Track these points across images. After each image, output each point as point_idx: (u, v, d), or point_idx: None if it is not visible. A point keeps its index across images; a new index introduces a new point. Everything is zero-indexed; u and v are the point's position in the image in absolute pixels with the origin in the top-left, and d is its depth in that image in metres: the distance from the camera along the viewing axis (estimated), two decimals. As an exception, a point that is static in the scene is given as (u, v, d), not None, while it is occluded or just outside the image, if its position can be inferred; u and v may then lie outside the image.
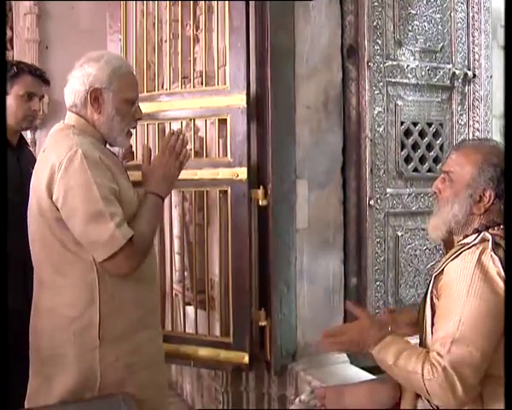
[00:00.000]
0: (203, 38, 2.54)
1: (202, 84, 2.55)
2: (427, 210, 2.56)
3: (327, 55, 2.55)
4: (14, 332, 1.75)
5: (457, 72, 2.76)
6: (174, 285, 2.75)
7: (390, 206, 2.62)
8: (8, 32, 4.62)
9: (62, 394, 1.55)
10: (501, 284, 1.33)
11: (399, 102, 2.64)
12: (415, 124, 2.69)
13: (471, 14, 2.79)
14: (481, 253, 1.38)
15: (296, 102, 2.48)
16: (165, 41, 2.69)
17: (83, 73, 1.60)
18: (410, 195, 2.66)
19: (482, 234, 1.41)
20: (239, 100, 2.40)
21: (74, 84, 1.62)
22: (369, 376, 2.23)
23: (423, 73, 2.68)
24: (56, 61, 4.35)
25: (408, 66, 2.65)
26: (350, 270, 2.62)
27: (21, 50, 4.57)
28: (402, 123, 2.66)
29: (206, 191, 2.54)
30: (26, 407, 1.63)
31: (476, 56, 2.80)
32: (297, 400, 1.76)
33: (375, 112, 2.57)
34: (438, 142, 2.74)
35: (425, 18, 2.69)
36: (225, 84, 2.45)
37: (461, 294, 1.36)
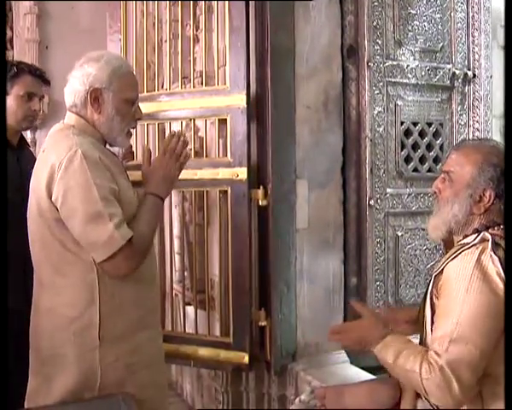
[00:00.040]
0: (203, 38, 2.54)
1: (202, 84, 2.55)
2: (427, 210, 2.56)
3: (327, 55, 2.55)
4: (14, 332, 1.75)
5: (457, 72, 2.76)
6: (174, 285, 2.75)
7: (390, 206, 2.62)
8: (8, 32, 4.62)
9: (62, 394, 1.55)
10: (500, 284, 1.33)
11: (399, 102, 2.64)
12: (415, 124, 2.69)
13: (471, 14, 2.79)
14: (481, 253, 1.38)
15: (296, 102, 2.48)
16: (165, 41, 2.69)
17: (83, 73, 1.60)
18: (410, 195, 2.67)
19: (482, 234, 1.41)
20: (239, 100, 2.40)
21: (74, 84, 1.61)
22: (369, 376, 2.23)
23: (423, 73, 2.68)
24: (56, 61, 4.35)
25: (408, 66, 2.65)
26: (350, 270, 2.62)
27: (21, 50, 4.57)
28: (402, 123, 2.66)
29: (206, 191, 2.54)
30: (25, 407, 1.63)
31: (476, 56, 2.80)
32: (297, 400, 1.76)
33: (375, 112, 2.57)
34: (438, 142, 2.74)
35: (425, 18, 2.69)
36: (225, 84, 2.45)
37: (459, 293, 1.36)
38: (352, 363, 2.54)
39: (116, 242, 1.49)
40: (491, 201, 1.45)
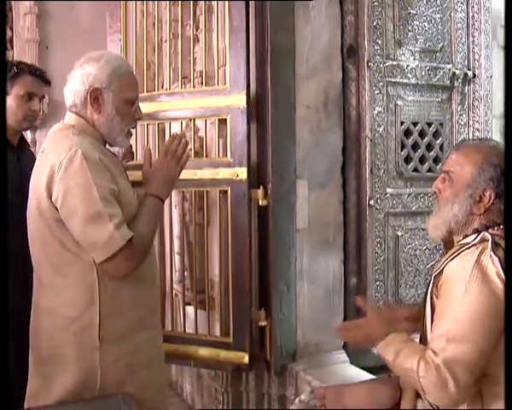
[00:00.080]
0: (203, 38, 2.54)
1: (202, 84, 2.55)
2: (427, 210, 2.55)
3: (327, 55, 2.55)
4: (14, 332, 1.75)
5: (457, 72, 2.76)
6: (174, 285, 2.75)
7: (390, 206, 2.62)
8: (8, 32, 4.62)
9: (62, 394, 1.55)
10: (499, 285, 1.33)
11: (399, 102, 2.64)
12: (415, 124, 2.69)
13: (471, 14, 2.79)
14: (481, 253, 1.38)
15: (296, 102, 2.48)
16: (165, 41, 2.69)
17: (83, 73, 1.60)
18: (410, 195, 2.66)
19: (482, 234, 1.41)
20: (239, 100, 2.40)
21: (74, 84, 1.61)
22: (369, 376, 2.23)
23: (423, 73, 2.68)
24: (56, 61, 4.35)
25: (408, 66, 2.65)
26: (350, 270, 2.62)
27: (21, 50, 4.57)
28: (402, 123, 2.66)
29: (206, 191, 2.54)
30: (25, 407, 1.63)
31: (476, 56, 2.80)
32: (297, 400, 1.76)
33: (375, 112, 2.57)
34: (438, 142, 2.74)
35: (425, 18, 2.69)
36: (225, 84, 2.45)
37: (458, 293, 1.36)
38: (352, 363, 2.54)
39: (116, 242, 1.49)
40: (491, 201, 1.45)
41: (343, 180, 2.61)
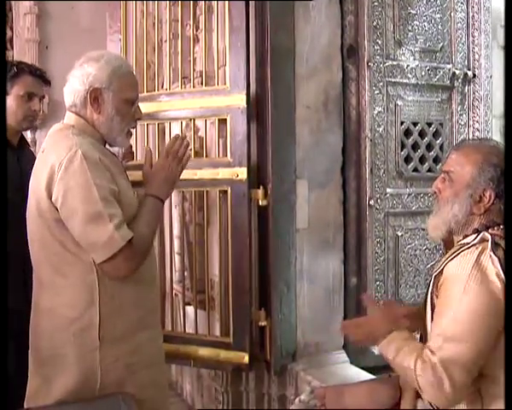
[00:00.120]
0: (203, 38, 2.54)
1: (202, 84, 2.55)
2: (427, 210, 2.55)
3: (327, 55, 2.55)
4: (14, 332, 1.75)
5: (457, 72, 2.76)
6: (174, 285, 2.75)
7: (390, 206, 2.62)
8: (8, 32, 4.62)
9: (62, 394, 1.54)
10: (498, 285, 1.33)
11: (399, 102, 2.64)
12: (415, 124, 2.69)
13: (471, 14, 2.79)
14: (480, 253, 1.38)
15: (296, 102, 2.48)
16: (165, 41, 2.69)
17: (82, 73, 1.60)
18: (410, 195, 2.67)
19: (482, 234, 1.41)
20: (239, 100, 2.40)
21: (74, 83, 1.61)
22: (369, 376, 2.24)
23: (423, 73, 2.68)
24: (56, 61, 4.35)
25: (408, 66, 2.65)
26: (350, 270, 2.62)
27: (21, 50, 4.57)
28: (402, 123, 2.66)
29: (206, 191, 2.54)
30: (25, 407, 1.62)
31: (476, 56, 2.80)
32: (297, 400, 1.76)
33: (375, 112, 2.57)
34: (438, 142, 2.74)
35: (425, 18, 2.69)
36: (225, 84, 2.45)
37: (457, 292, 1.37)
38: (352, 363, 2.54)
39: (116, 243, 1.48)
40: (491, 201, 1.45)
41: (343, 180, 2.61)
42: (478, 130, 2.81)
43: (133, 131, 1.76)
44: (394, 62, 2.62)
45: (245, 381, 2.60)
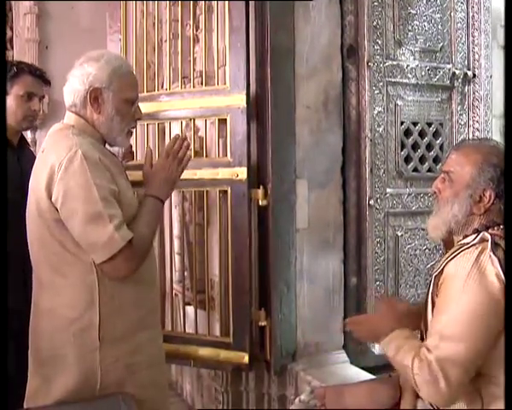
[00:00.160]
0: (203, 38, 2.54)
1: (202, 84, 2.55)
2: (427, 210, 2.55)
3: (327, 55, 2.55)
4: (14, 332, 1.75)
5: (457, 72, 2.76)
6: (174, 285, 2.75)
7: (390, 206, 2.62)
8: (8, 32, 4.62)
9: (62, 394, 1.54)
10: (497, 285, 1.33)
11: (399, 102, 2.64)
12: (415, 124, 2.69)
13: (471, 14, 2.79)
14: (480, 253, 1.38)
15: (296, 102, 2.48)
16: (165, 41, 2.69)
17: (82, 73, 1.59)
18: (409, 195, 2.67)
19: (481, 234, 1.41)
20: (239, 100, 2.40)
21: (74, 83, 1.61)
22: (369, 376, 2.24)
23: (423, 73, 2.68)
24: (56, 61, 4.35)
25: (408, 66, 2.65)
26: (350, 270, 2.62)
27: (21, 50, 4.57)
28: (402, 123, 2.66)
29: (206, 191, 2.54)
30: (24, 407, 1.62)
31: (476, 56, 2.80)
32: (297, 400, 1.76)
33: (375, 112, 2.57)
34: (438, 142, 2.74)
35: (425, 18, 2.69)
36: (225, 84, 2.45)
37: (455, 292, 1.37)
38: (352, 363, 2.54)
39: (116, 243, 1.48)
40: (491, 201, 1.45)
41: (343, 180, 2.60)
42: (478, 130, 2.81)
43: (133, 131, 1.76)
44: (394, 62, 2.62)
45: (245, 381, 2.60)
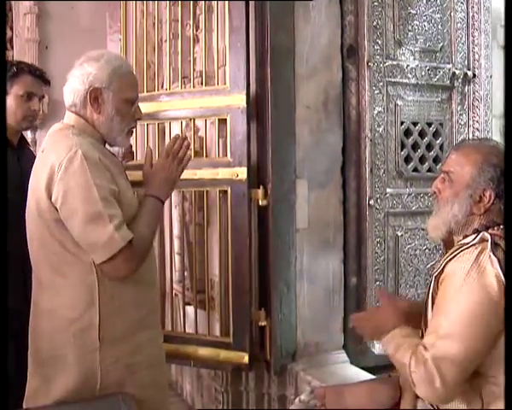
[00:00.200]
0: (203, 37, 2.54)
1: (202, 84, 2.55)
2: (427, 210, 2.55)
3: (327, 55, 2.55)
4: (14, 332, 1.75)
5: (457, 72, 2.76)
6: (174, 285, 2.75)
7: (390, 206, 2.62)
8: (8, 32, 4.62)
9: (62, 395, 1.54)
10: (495, 286, 1.33)
11: (399, 102, 2.64)
12: (415, 124, 2.69)
13: (471, 14, 2.79)
14: (480, 253, 1.38)
15: (296, 102, 2.48)
16: (165, 41, 2.69)
17: (82, 73, 1.59)
18: (409, 195, 2.66)
19: (481, 234, 1.41)
20: (239, 100, 2.40)
21: (74, 83, 1.61)
22: (369, 376, 2.24)
23: (423, 73, 2.68)
24: (56, 61, 4.35)
25: (408, 66, 2.65)
26: (350, 270, 2.62)
27: (21, 50, 4.57)
28: (402, 123, 2.66)
29: (206, 191, 2.54)
30: (24, 407, 1.62)
31: (476, 56, 2.80)
32: (297, 400, 1.76)
33: (375, 112, 2.57)
34: (438, 142, 2.74)
35: (425, 18, 2.69)
36: (225, 84, 2.45)
37: (453, 291, 1.37)
38: (352, 363, 2.54)
39: (116, 243, 1.48)
40: (491, 201, 1.45)
41: (343, 180, 2.61)
42: (478, 130, 2.80)
43: (133, 131, 1.76)
44: (394, 62, 2.62)
45: (245, 381, 2.60)
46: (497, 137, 2.85)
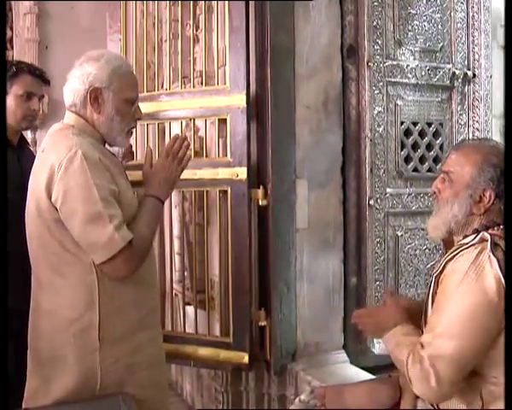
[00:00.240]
0: (203, 37, 2.54)
1: (202, 84, 2.55)
2: (427, 210, 2.55)
3: (327, 55, 2.55)
4: (14, 332, 1.75)
5: (457, 72, 2.76)
6: (174, 285, 2.75)
7: (390, 206, 2.62)
8: (8, 32, 4.62)
9: (62, 395, 1.54)
10: (494, 286, 1.32)
11: (399, 102, 2.64)
12: (415, 124, 2.69)
13: (471, 14, 2.79)
14: (479, 253, 1.38)
15: (296, 102, 2.48)
16: (165, 41, 2.69)
17: (82, 72, 1.59)
18: (409, 195, 2.66)
19: (481, 234, 1.41)
20: (239, 100, 2.40)
21: (74, 83, 1.61)
22: (369, 376, 2.24)
23: (423, 73, 2.68)
24: (56, 61, 4.35)
25: (408, 66, 2.65)
26: (350, 270, 2.62)
27: (21, 50, 4.57)
28: (402, 123, 2.65)
29: (206, 191, 2.54)
30: (23, 407, 1.62)
31: (476, 56, 2.80)
32: (297, 400, 1.76)
33: (375, 112, 2.57)
34: (438, 142, 2.74)
35: (425, 18, 2.69)
36: (225, 84, 2.45)
37: (452, 291, 1.37)
38: (352, 363, 2.54)
39: (116, 244, 1.48)
40: (491, 201, 1.45)
41: (343, 180, 2.61)
42: (478, 130, 2.80)
43: (133, 131, 1.76)
44: (394, 62, 2.62)
45: (245, 381, 2.60)
46: (497, 137, 2.85)
